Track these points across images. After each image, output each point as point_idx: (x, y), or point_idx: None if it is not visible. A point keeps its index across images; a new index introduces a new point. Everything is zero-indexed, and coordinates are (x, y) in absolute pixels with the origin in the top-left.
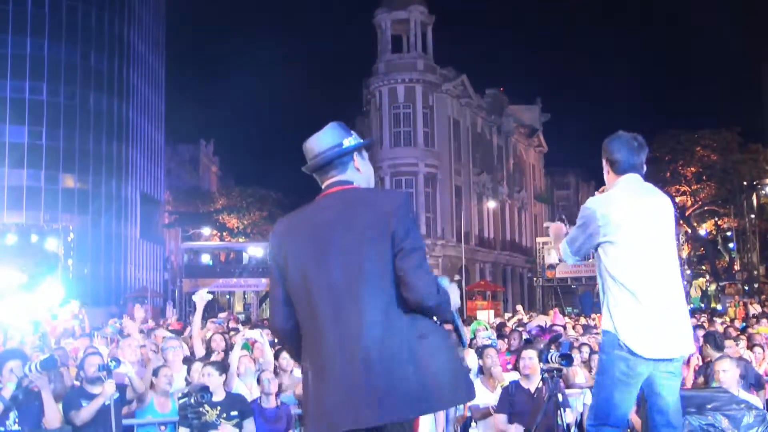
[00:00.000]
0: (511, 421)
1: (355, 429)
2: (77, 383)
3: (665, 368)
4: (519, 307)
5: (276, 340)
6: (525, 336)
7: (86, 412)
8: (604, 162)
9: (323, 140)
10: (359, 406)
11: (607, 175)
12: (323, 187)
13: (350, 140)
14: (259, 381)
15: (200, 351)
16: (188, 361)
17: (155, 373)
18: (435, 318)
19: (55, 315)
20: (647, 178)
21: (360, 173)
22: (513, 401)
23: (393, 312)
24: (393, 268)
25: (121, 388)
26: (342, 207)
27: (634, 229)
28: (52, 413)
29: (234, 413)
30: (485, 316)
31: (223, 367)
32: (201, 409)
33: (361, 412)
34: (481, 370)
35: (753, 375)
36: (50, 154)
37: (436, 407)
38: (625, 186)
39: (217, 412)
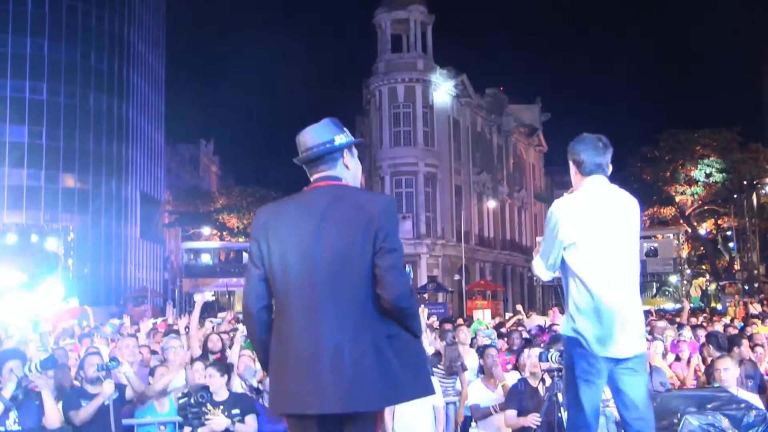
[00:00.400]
0: (520, 416)
1: (321, 414)
2: (77, 383)
3: (624, 365)
4: (519, 307)
5: (244, 320)
6: (524, 335)
7: (85, 412)
8: (570, 164)
9: (316, 135)
10: (327, 395)
11: (575, 176)
12: (312, 179)
13: (342, 137)
14: (261, 381)
15: (197, 351)
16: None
17: (151, 372)
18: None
19: (37, 322)
20: (634, 180)
21: (348, 170)
22: (522, 398)
23: (368, 310)
24: (372, 269)
25: (120, 387)
26: (330, 203)
27: (596, 231)
28: (52, 413)
29: (236, 411)
30: (481, 315)
31: (226, 367)
32: (203, 408)
33: (329, 401)
34: (481, 370)
35: (759, 376)
36: (50, 153)
37: (399, 401)
38: (588, 188)
39: (219, 412)
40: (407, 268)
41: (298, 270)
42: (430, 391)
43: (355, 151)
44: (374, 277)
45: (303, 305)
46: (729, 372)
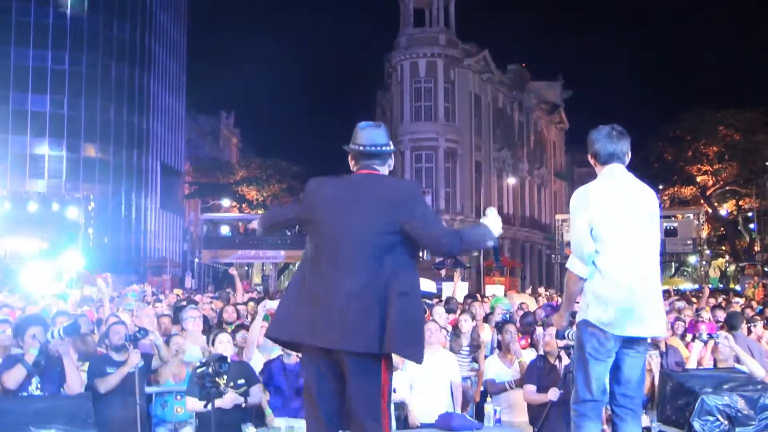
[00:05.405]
0: (539, 392)
1: (322, 348)
2: (102, 350)
3: (631, 346)
4: (541, 290)
5: (260, 218)
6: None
7: (111, 379)
8: (589, 157)
9: (379, 136)
10: (330, 331)
11: (595, 168)
12: (359, 166)
13: (391, 144)
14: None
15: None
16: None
17: (166, 342)
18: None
19: (66, 295)
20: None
21: (389, 169)
22: (540, 374)
23: (384, 269)
24: (397, 238)
25: (146, 357)
26: (369, 184)
27: (614, 216)
28: (74, 379)
29: (241, 381)
30: (496, 291)
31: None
32: (218, 379)
33: (331, 336)
34: (498, 346)
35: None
36: (72, 123)
37: (386, 350)
38: (605, 176)
39: (224, 381)
40: None
41: (333, 229)
42: (420, 358)
43: None
44: (423, 245)
45: (331, 256)
46: (724, 347)
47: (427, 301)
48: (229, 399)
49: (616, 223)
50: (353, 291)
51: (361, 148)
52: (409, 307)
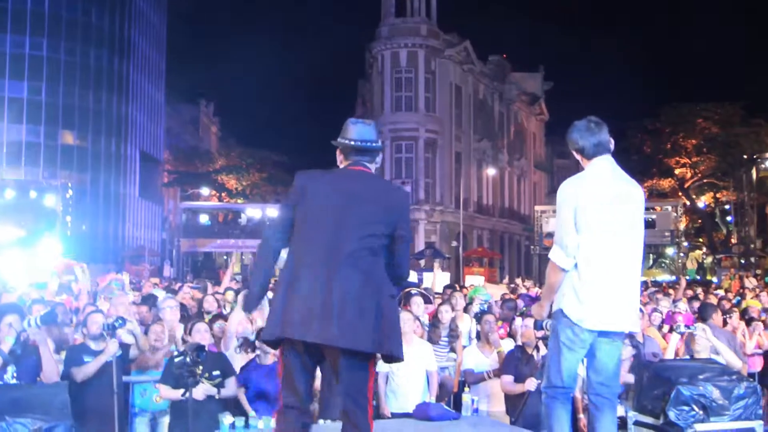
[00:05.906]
0: (517, 382)
1: (320, 344)
2: (78, 338)
3: (607, 335)
4: (518, 280)
5: (259, 247)
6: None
7: (88, 368)
8: (574, 154)
9: (370, 132)
10: (330, 329)
11: (582, 163)
12: (349, 163)
13: (380, 142)
14: (257, 337)
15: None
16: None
17: (146, 331)
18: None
19: (44, 284)
20: (635, 155)
21: (376, 166)
22: (518, 364)
23: (377, 271)
24: (386, 242)
25: (124, 347)
26: (364, 182)
27: (595, 211)
28: (50, 368)
29: (216, 373)
30: (475, 281)
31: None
32: (196, 369)
33: (329, 334)
34: (478, 336)
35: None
36: (49, 110)
37: (379, 350)
38: (594, 170)
39: (200, 371)
40: None
41: (327, 227)
42: (401, 356)
43: None
44: (390, 254)
45: (324, 255)
46: (702, 339)
47: (412, 291)
48: (201, 390)
49: (601, 218)
50: (350, 290)
51: (352, 143)
52: (396, 309)
